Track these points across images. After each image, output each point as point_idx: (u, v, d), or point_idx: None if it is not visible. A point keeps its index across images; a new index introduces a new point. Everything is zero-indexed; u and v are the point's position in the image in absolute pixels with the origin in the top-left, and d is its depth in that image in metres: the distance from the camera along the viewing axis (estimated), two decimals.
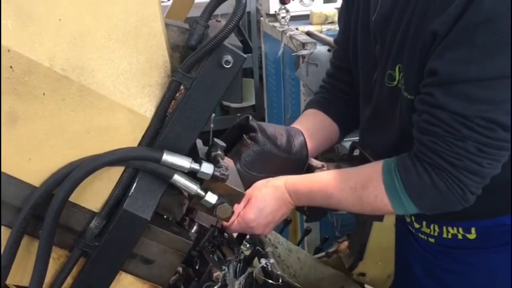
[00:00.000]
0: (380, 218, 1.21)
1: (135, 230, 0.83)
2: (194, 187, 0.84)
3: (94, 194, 0.83)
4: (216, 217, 0.89)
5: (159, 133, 0.82)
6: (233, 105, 3.81)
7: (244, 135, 1.15)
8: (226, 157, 0.92)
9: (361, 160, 1.20)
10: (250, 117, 1.15)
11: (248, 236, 1.25)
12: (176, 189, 0.86)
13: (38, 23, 0.74)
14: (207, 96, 0.82)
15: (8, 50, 0.72)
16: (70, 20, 0.76)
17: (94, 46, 0.77)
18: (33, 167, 0.79)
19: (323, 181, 1.10)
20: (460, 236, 1.17)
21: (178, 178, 0.83)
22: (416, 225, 1.25)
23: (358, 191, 1.05)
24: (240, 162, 1.11)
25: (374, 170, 1.05)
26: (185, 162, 0.82)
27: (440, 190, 0.97)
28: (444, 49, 0.92)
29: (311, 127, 1.27)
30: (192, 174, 0.84)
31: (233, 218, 1.09)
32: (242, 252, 1.16)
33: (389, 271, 1.56)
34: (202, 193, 0.85)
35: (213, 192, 0.85)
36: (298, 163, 1.18)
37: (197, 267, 0.99)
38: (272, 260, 1.15)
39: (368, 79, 1.18)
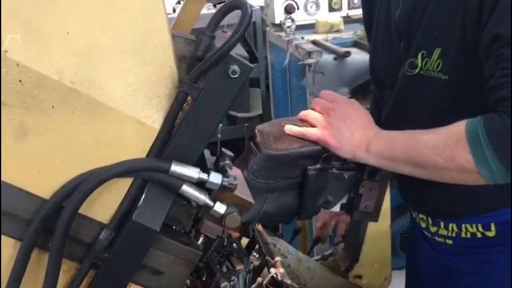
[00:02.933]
0: (374, 218, 1.20)
1: (145, 241, 0.83)
2: (202, 197, 0.84)
3: (103, 206, 0.83)
4: (225, 227, 0.89)
5: (167, 144, 0.83)
6: (240, 114, 3.81)
7: (250, 142, 1.15)
8: (234, 167, 0.91)
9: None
10: (257, 128, 1.16)
11: (257, 246, 1.24)
12: (185, 200, 0.86)
13: (46, 37, 0.75)
14: (214, 106, 0.82)
15: (17, 64, 0.73)
16: (78, 34, 0.76)
17: (102, 58, 0.78)
18: (42, 180, 0.79)
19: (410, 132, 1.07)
20: (479, 235, 1.15)
21: (186, 189, 0.83)
22: (433, 229, 1.23)
23: (441, 135, 0.99)
24: (248, 170, 1.11)
25: (457, 126, 0.98)
26: (193, 173, 0.82)
27: None
28: (499, 13, 0.93)
29: None
30: (200, 184, 0.84)
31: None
32: (251, 262, 1.15)
33: (386, 274, 1.55)
34: (211, 203, 0.85)
35: (222, 202, 0.85)
36: (309, 164, 1.16)
37: (204, 279, 0.98)
38: (281, 270, 1.14)
39: (393, 77, 1.18)
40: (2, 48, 0.72)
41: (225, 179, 0.83)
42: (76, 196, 0.79)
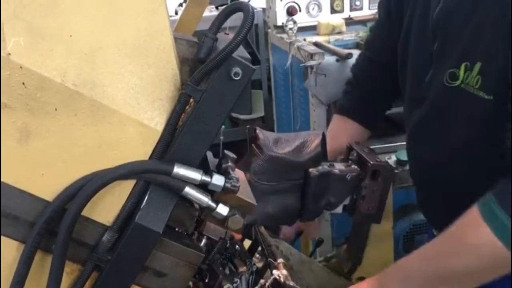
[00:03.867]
0: (377, 220, 1.19)
1: (147, 243, 0.83)
2: (205, 199, 0.84)
3: (106, 208, 0.83)
4: (227, 229, 0.89)
5: (170, 146, 0.83)
6: (242, 116, 3.82)
7: (252, 144, 1.15)
8: (236, 169, 0.92)
9: (358, 161, 1.19)
10: (258, 129, 1.16)
11: (259, 248, 1.24)
12: (187, 202, 0.86)
13: (49, 40, 0.75)
14: (216, 108, 0.82)
15: (21, 67, 0.73)
16: (81, 36, 0.77)
17: (105, 61, 0.78)
18: (46, 182, 0.79)
19: (416, 253, 1.00)
20: None
21: (189, 191, 0.83)
22: None
23: (455, 241, 0.92)
24: (250, 172, 1.12)
25: (468, 213, 0.92)
26: (196, 175, 0.82)
27: None
28: None
29: (335, 132, 1.26)
30: (203, 186, 0.84)
31: None
32: (254, 264, 1.15)
33: None
34: (214, 205, 0.85)
35: (225, 203, 0.85)
36: (312, 166, 1.16)
37: (206, 280, 0.98)
38: (284, 272, 1.14)
39: (419, 80, 1.11)
40: (5, 51, 0.72)
41: (228, 181, 0.83)
42: (78, 199, 0.79)
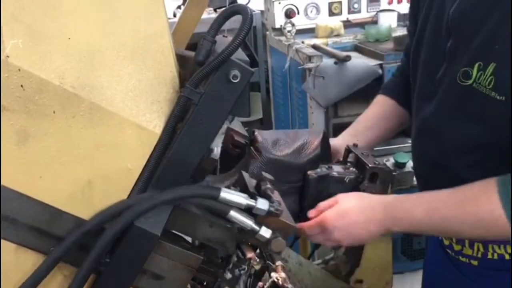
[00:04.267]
0: None
1: (146, 246, 0.83)
2: (249, 223, 0.86)
3: None
4: (271, 252, 0.91)
5: (168, 148, 0.83)
6: (240, 119, 3.82)
7: (251, 147, 1.15)
8: (274, 190, 0.93)
9: (357, 164, 1.19)
10: (256, 131, 1.16)
11: (258, 250, 1.24)
12: (229, 223, 0.88)
13: (48, 42, 0.75)
14: (215, 110, 0.82)
15: (19, 69, 0.73)
16: (79, 39, 0.77)
17: (103, 63, 0.78)
18: (44, 185, 0.79)
19: (426, 196, 1.03)
20: (507, 257, 1.09)
21: (234, 214, 0.85)
22: (457, 247, 1.17)
23: (468, 205, 0.96)
24: (248, 174, 1.11)
25: (486, 185, 0.96)
26: (241, 199, 0.84)
27: None
28: None
29: (373, 119, 1.29)
30: (247, 210, 0.85)
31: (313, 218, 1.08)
32: (252, 267, 1.15)
33: (387, 278, 1.54)
34: (257, 228, 0.86)
35: (266, 226, 0.87)
36: (310, 168, 1.16)
37: (205, 283, 0.98)
38: (282, 274, 1.14)
39: (430, 76, 1.11)
40: (4, 53, 0.72)
41: (272, 205, 0.85)
42: (124, 218, 0.79)
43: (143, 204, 0.79)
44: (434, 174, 1.12)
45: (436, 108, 1.10)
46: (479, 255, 1.13)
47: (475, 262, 1.15)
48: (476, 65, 0.98)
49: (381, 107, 1.37)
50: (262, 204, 0.85)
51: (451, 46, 1.06)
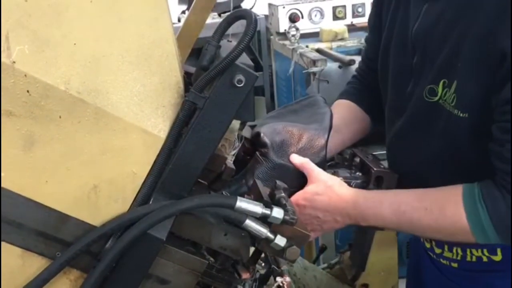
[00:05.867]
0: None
1: (151, 250, 0.83)
2: (264, 231, 0.86)
3: (110, 216, 0.83)
4: (285, 260, 0.91)
5: (173, 153, 0.83)
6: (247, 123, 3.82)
7: (256, 152, 1.14)
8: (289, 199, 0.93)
9: (362, 168, 1.19)
10: (262, 133, 1.14)
11: (263, 255, 1.24)
12: (243, 232, 0.88)
13: (53, 48, 0.76)
14: (220, 115, 0.83)
15: (25, 75, 0.74)
16: (85, 44, 0.77)
17: (109, 69, 0.79)
18: (49, 189, 0.80)
19: (395, 197, 1.06)
20: (485, 259, 1.12)
21: (249, 223, 0.85)
22: (437, 250, 1.21)
23: (434, 213, 0.99)
24: (253, 178, 1.11)
25: (452, 193, 0.99)
26: (257, 208, 0.84)
27: None
28: None
29: (340, 121, 1.24)
30: (261, 218, 0.86)
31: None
32: (257, 271, 1.15)
33: (393, 282, 1.54)
34: (272, 236, 0.87)
35: (281, 234, 0.87)
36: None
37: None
38: (288, 279, 1.14)
39: (400, 90, 1.13)
40: (10, 59, 0.73)
41: (286, 213, 0.85)
42: (141, 225, 0.79)
43: (160, 213, 0.79)
44: (407, 181, 1.14)
45: (406, 123, 1.12)
46: (459, 258, 1.17)
47: (455, 265, 1.18)
48: (441, 82, 1.01)
49: (345, 111, 1.31)
50: (277, 213, 0.85)
51: (416, 63, 1.08)
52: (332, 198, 1.07)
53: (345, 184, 1.11)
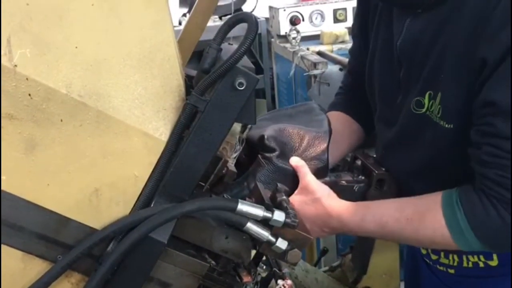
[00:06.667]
0: None
1: (152, 253, 0.83)
2: (266, 234, 0.86)
3: (111, 219, 0.83)
4: (286, 263, 0.92)
5: (175, 156, 0.83)
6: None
7: (259, 155, 1.14)
8: (288, 199, 0.93)
9: (363, 171, 1.19)
10: (266, 136, 1.14)
11: (264, 257, 1.24)
12: (245, 234, 0.88)
13: (55, 51, 0.76)
14: (221, 118, 0.83)
15: (27, 78, 0.74)
16: (86, 48, 0.77)
17: (110, 72, 0.79)
18: (51, 193, 0.80)
19: (377, 209, 1.06)
20: (481, 264, 1.13)
21: (251, 226, 0.85)
22: (434, 257, 1.21)
23: (414, 222, 1.00)
24: (256, 181, 1.11)
25: (432, 201, 1.00)
26: (258, 211, 0.85)
27: (510, 226, 0.91)
28: (499, 79, 0.88)
29: (336, 133, 1.22)
30: (263, 221, 0.86)
31: None
32: (259, 274, 1.15)
33: (394, 285, 1.54)
34: (273, 239, 0.87)
35: (282, 237, 0.87)
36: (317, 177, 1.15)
37: None
38: (289, 282, 1.14)
39: (389, 102, 1.14)
40: (12, 63, 0.73)
41: (287, 216, 0.85)
42: (143, 228, 0.79)
43: (161, 216, 0.80)
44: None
45: (396, 134, 1.13)
46: (455, 264, 1.17)
47: (452, 271, 1.19)
48: (427, 94, 1.02)
49: (340, 123, 1.31)
50: (278, 216, 0.85)
51: (403, 76, 1.09)
52: (318, 210, 1.07)
53: (334, 195, 1.10)
